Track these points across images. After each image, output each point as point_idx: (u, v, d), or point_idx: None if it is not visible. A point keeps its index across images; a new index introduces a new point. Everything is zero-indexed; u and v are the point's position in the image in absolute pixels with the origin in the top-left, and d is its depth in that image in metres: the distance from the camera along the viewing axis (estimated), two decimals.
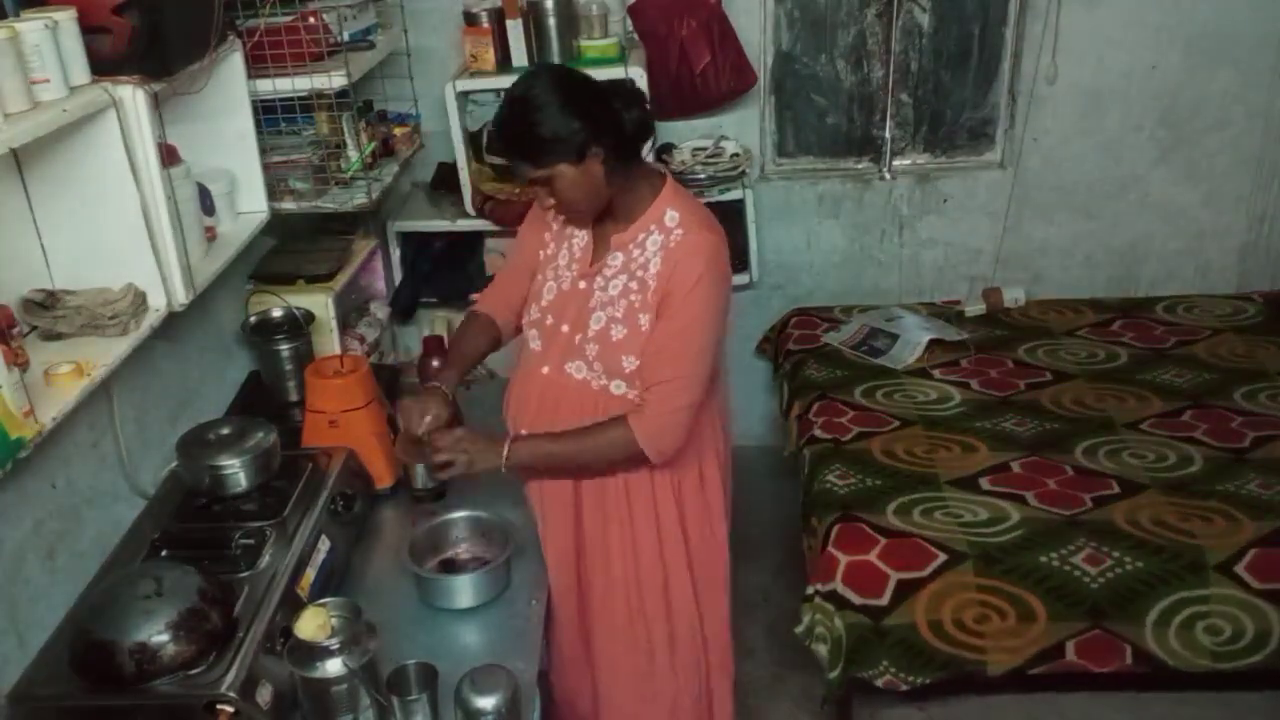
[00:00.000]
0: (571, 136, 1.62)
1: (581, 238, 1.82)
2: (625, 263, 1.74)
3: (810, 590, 2.31)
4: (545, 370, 1.84)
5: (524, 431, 1.83)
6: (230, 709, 1.42)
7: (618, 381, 1.77)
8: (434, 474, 1.88)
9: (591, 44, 2.89)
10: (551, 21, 2.81)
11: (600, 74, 2.80)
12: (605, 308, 1.76)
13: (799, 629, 2.32)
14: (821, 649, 2.30)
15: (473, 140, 2.94)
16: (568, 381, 1.81)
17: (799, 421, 2.87)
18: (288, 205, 2.32)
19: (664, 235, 1.72)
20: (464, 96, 2.88)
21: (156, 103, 1.70)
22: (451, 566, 1.88)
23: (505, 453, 1.76)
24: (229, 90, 2.05)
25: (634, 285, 1.73)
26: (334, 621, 1.51)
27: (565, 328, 1.81)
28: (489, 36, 2.82)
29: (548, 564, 1.91)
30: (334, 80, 2.22)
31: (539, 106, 1.62)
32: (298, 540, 1.75)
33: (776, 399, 3.27)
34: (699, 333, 1.71)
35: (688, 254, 1.69)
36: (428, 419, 1.82)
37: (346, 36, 2.38)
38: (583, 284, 1.80)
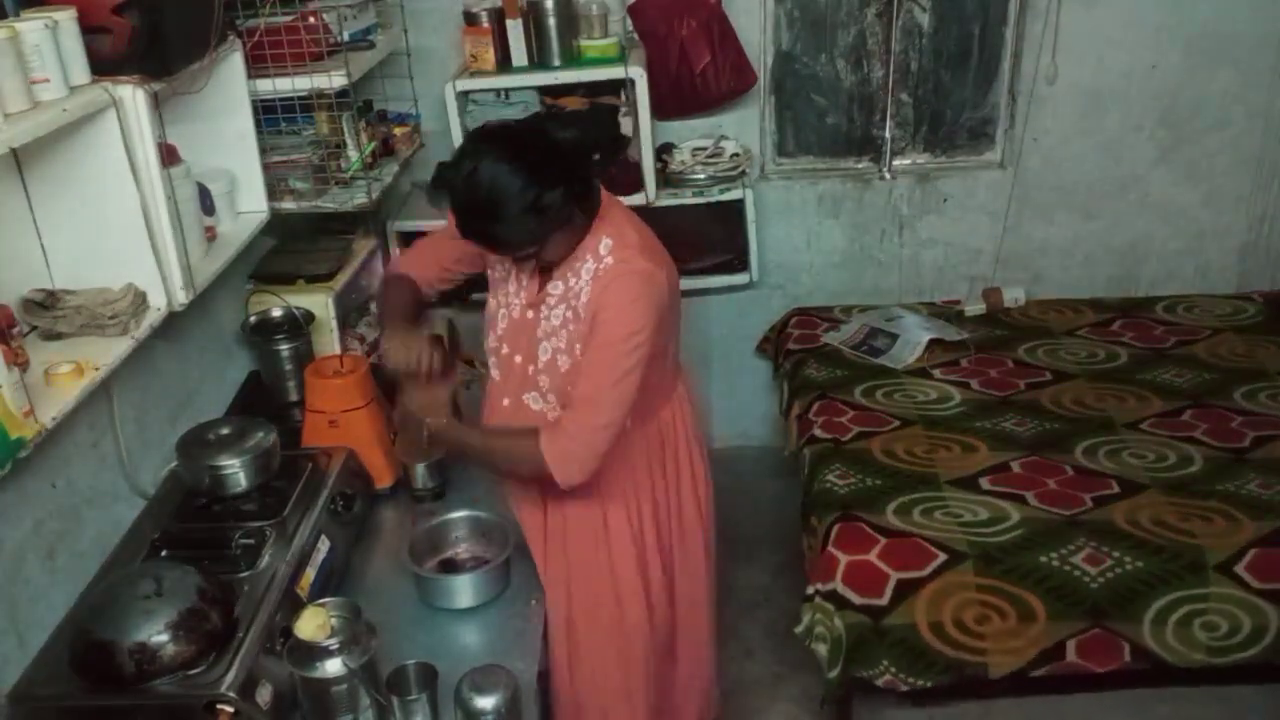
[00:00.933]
0: (552, 211, 1.59)
1: (528, 266, 1.78)
2: (564, 292, 1.73)
3: (810, 590, 2.31)
4: (505, 403, 1.85)
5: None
6: (230, 709, 1.42)
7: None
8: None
9: (591, 44, 2.89)
10: (551, 21, 2.81)
11: (600, 73, 2.84)
12: (550, 338, 1.76)
13: (799, 629, 2.32)
14: (821, 649, 2.29)
15: None
16: (527, 413, 1.82)
17: (799, 421, 2.87)
18: (288, 205, 2.32)
19: (596, 263, 1.69)
20: (464, 96, 2.88)
21: (156, 102, 1.70)
22: (451, 566, 1.88)
23: (430, 424, 1.77)
24: (229, 90, 2.05)
25: (570, 315, 1.72)
26: (334, 621, 1.51)
27: (518, 358, 1.82)
28: (489, 36, 2.82)
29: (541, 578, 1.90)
30: (334, 80, 2.21)
31: (507, 198, 1.56)
32: (297, 540, 1.75)
33: (776, 399, 3.27)
34: (620, 356, 1.65)
35: (614, 280, 1.66)
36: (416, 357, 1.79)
37: (346, 36, 2.38)
38: (530, 313, 1.79)
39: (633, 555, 1.87)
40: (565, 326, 1.73)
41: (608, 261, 1.68)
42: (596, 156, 1.69)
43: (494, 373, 1.87)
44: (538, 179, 1.56)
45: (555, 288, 1.74)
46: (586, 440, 1.66)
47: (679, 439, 1.92)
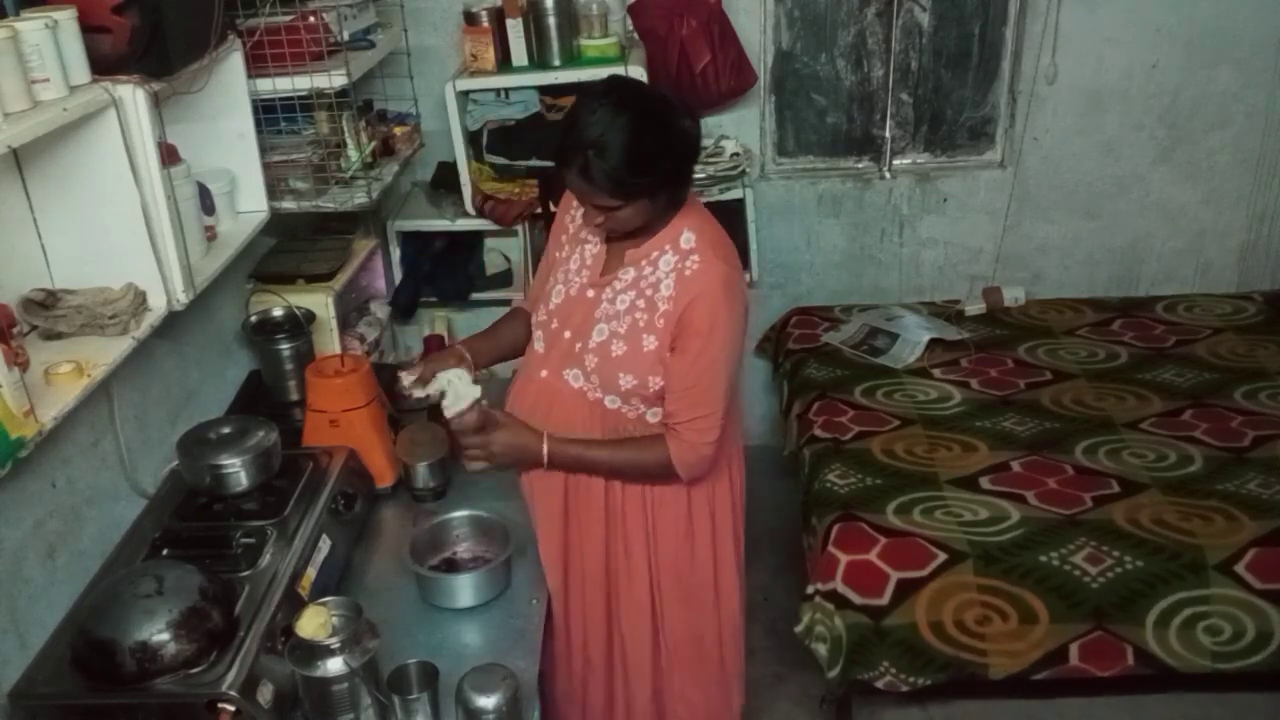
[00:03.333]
0: (649, 178, 1.61)
1: (594, 245, 1.79)
2: (635, 279, 1.72)
3: (810, 590, 2.32)
4: (544, 374, 1.82)
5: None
6: (231, 708, 1.42)
7: (612, 396, 1.76)
8: (464, 465, 1.82)
9: (591, 43, 2.89)
10: (551, 21, 2.81)
11: (599, 73, 2.83)
12: (610, 321, 1.74)
13: (799, 628, 2.32)
14: (821, 648, 2.29)
15: (473, 140, 2.94)
16: (563, 387, 1.79)
17: (799, 421, 2.87)
18: (288, 205, 2.32)
19: (678, 257, 1.69)
20: (464, 96, 2.88)
21: (156, 102, 1.70)
22: (452, 566, 1.88)
23: (545, 455, 1.75)
24: (229, 90, 2.05)
25: (641, 304, 1.71)
26: (335, 620, 1.51)
27: (568, 334, 1.78)
28: (489, 36, 2.82)
29: (542, 562, 1.90)
30: (334, 80, 2.21)
31: (617, 143, 1.57)
32: (298, 539, 1.75)
33: (776, 398, 3.27)
34: (724, 369, 1.70)
35: (705, 288, 1.66)
36: (436, 389, 1.77)
37: (346, 36, 2.38)
38: (591, 293, 1.77)
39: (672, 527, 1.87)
40: (632, 313, 1.71)
41: (693, 259, 1.67)
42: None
43: (538, 345, 1.85)
44: (651, 143, 1.59)
45: (626, 273, 1.72)
46: (704, 454, 1.74)
47: (734, 465, 1.90)
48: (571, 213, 1.84)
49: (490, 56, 2.84)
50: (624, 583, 1.89)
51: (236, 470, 1.80)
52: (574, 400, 1.79)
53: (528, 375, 1.87)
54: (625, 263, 1.73)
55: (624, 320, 1.72)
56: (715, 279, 1.66)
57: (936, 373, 2.99)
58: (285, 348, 2.30)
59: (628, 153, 1.57)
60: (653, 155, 1.60)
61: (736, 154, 3.18)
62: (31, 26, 1.45)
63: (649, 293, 1.70)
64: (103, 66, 1.61)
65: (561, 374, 1.80)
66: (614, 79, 1.76)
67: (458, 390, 1.73)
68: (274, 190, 2.25)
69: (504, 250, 3.28)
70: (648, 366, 1.70)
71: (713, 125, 3.25)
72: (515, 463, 1.81)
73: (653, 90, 1.75)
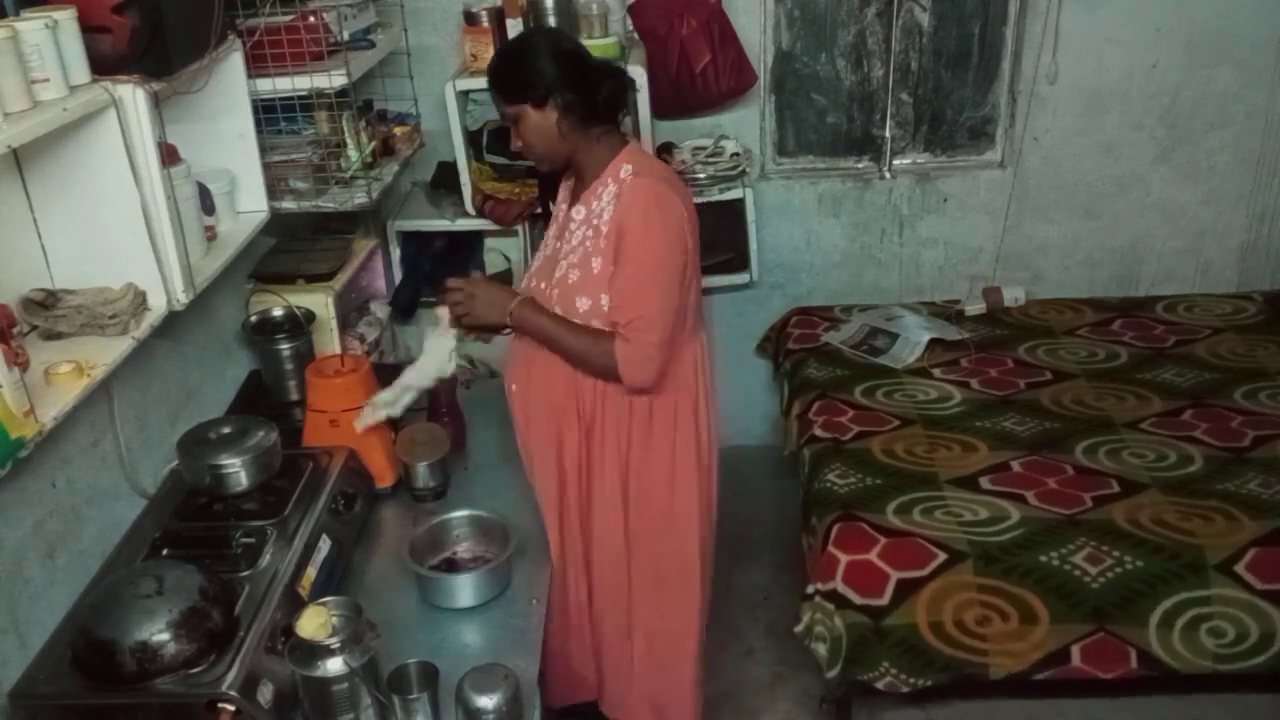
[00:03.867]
0: (537, 82, 1.81)
1: (564, 209, 1.97)
2: (586, 215, 1.88)
3: (810, 590, 2.31)
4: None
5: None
6: (231, 708, 1.42)
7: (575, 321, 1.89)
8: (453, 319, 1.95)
9: (592, 43, 2.88)
10: (551, 20, 2.80)
11: None
12: (567, 257, 1.90)
13: (799, 628, 2.32)
14: (821, 648, 2.29)
15: (473, 140, 2.94)
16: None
17: (799, 421, 2.87)
18: (288, 205, 2.32)
19: (617, 185, 1.84)
20: (464, 96, 2.88)
21: (157, 102, 1.70)
22: (452, 565, 1.88)
23: (510, 309, 1.89)
24: (229, 90, 2.05)
25: (590, 233, 1.86)
26: (335, 620, 1.51)
27: (542, 285, 1.94)
28: (489, 36, 2.82)
29: (542, 509, 2.00)
30: (334, 80, 2.21)
31: (524, 52, 1.86)
32: (298, 539, 1.75)
33: (776, 398, 3.27)
34: (659, 271, 1.82)
35: (636, 196, 1.81)
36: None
37: (346, 36, 2.38)
38: (557, 243, 1.95)
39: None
40: (583, 244, 1.87)
41: (627, 182, 1.84)
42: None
43: None
44: (540, 56, 1.83)
45: (578, 212, 1.90)
46: (647, 354, 1.84)
47: (699, 390, 2.00)
48: (559, 198, 2.04)
49: (490, 56, 2.83)
50: (597, 494, 2.01)
51: (236, 470, 1.80)
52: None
53: (515, 338, 2.00)
54: (579, 202, 1.90)
55: (577, 252, 1.88)
56: (646, 191, 1.82)
57: (936, 373, 2.99)
58: (285, 348, 2.30)
59: (514, 57, 1.86)
60: (532, 66, 1.82)
61: (736, 154, 3.18)
62: (31, 26, 1.45)
63: (595, 222, 1.86)
64: (103, 66, 1.61)
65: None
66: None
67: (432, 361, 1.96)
68: (274, 190, 2.25)
69: (504, 250, 3.28)
70: (597, 285, 1.85)
71: (713, 125, 3.25)
72: (489, 317, 1.91)
73: (574, 41, 1.97)
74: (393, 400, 2.03)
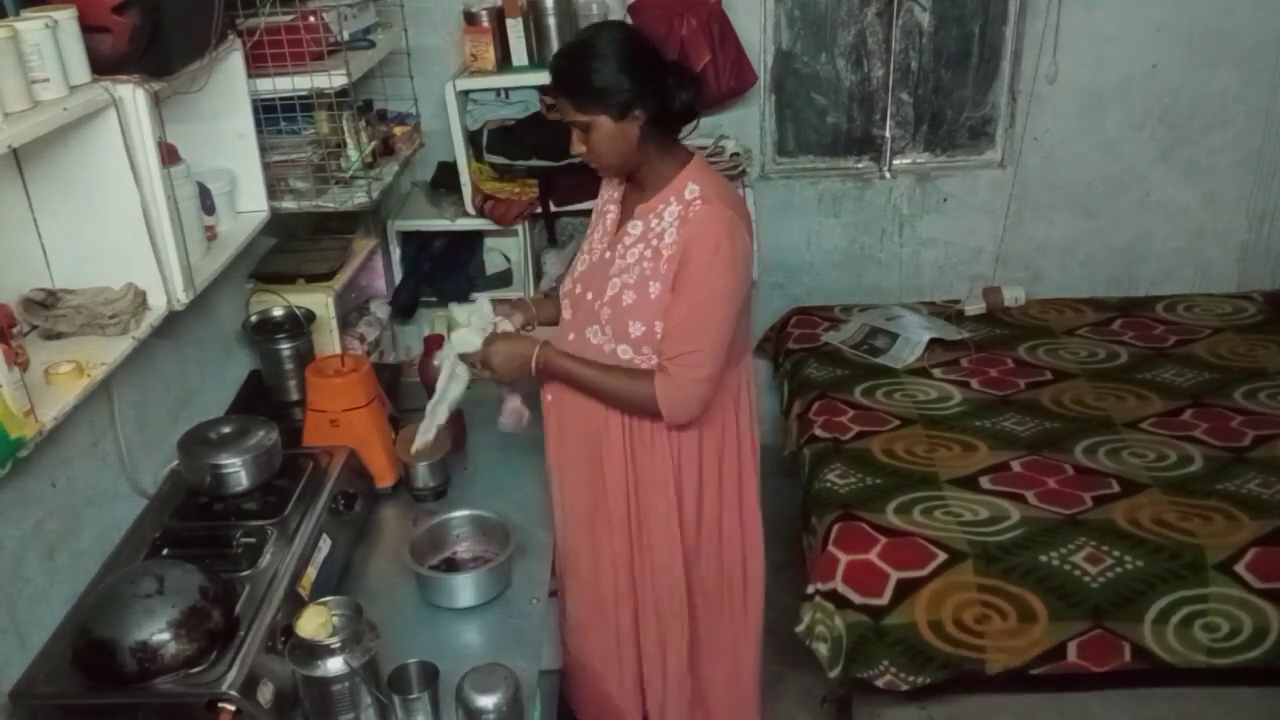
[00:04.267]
0: (619, 93, 1.68)
1: (613, 212, 1.88)
2: (644, 231, 1.78)
3: (810, 589, 2.32)
4: (571, 337, 1.89)
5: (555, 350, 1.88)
6: (232, 707, 1.42)
7: (625, 346, 1.81)
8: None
9: None
10: (551, 20, 2.81)
11: None
12: (621, 274, 1.80)
13: (799, 628, 2.32)
14: (821, 648, 2.30)
15: (473, 139, 2.94)
16: (586, 346, 1.85)
17: (799, 421, 2.87)
18: (288, 204, 2.32)
19: (682, 206, 1.75)
20: (464, 96, 2.88)
21: (157, 102, 1.70)
22: (452, 566, 1.88)
23: (533, 361, 1.83)
24: (229, 89, 2.05)
25: (648, 253, 1.77)
26: (335, 620, 1.51)
27: (589, 295, 1.87)
28: (489, 35, 2.82)
29: (560, 527, 1.97)
30: (334, 79, 2.21)
31: (599, 55, 1.69)
32: (299, 539, 1.75)
33: (776, 398, 3.27)
34: (718, 306, 1.73)
35: (705, 226, 1.71)
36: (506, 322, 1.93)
37: (346, 36, 2.38)
38: (608, 254, 1.85)
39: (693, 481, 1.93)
40: (640, 264, 1.77)
41: (696, 205, 1.73)
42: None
43: (565, 314, 1.94)
44: (615, 63, 1.69)
45: (634, 227, 1.80)
46: (691, 391, 1.76)
47: (740, 413, 1.95)
48: (602, 193, 1.95)
49: (490, 56, 2.84)
50: (650, 518, 1.93)
51: (237, 470, 1.80)
52: (595, 357, 1.84)
53: (559, 342, 1.92)
54: (635, 217, 1.80)
55: (633, 271, 1.78)
56: (716, 219, 1.72)
57: (936, 372, 2.99)
58: (285, 347, 2.30)
59: (588, 59, 1.69)
60: (614, 73, 1.68)
61: (736, 154, 3.17)
62: (31, 26, 1.45)
63: (655, 243, 1.76)
64: (103, 66, 1.61)
65: (584, 333, 1.86)
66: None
67: (465, 337, 1.86)
68: (274, 190, 2.25)
69: (504, 250, 3.28)
70: (653, 312, 1.76)
71: (713, 125, 3.25)
72: (513, 371, 1.85)
73: (650, 42, 1.82)
74: (428, 428, 1.96)
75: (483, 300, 1.93)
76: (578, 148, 1.77)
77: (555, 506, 2.01)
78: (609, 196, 1.92)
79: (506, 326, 1.93)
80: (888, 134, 3.35)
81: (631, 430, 1.86)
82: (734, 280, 1.74)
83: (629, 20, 3.02)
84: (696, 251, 1.70)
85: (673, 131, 1.79)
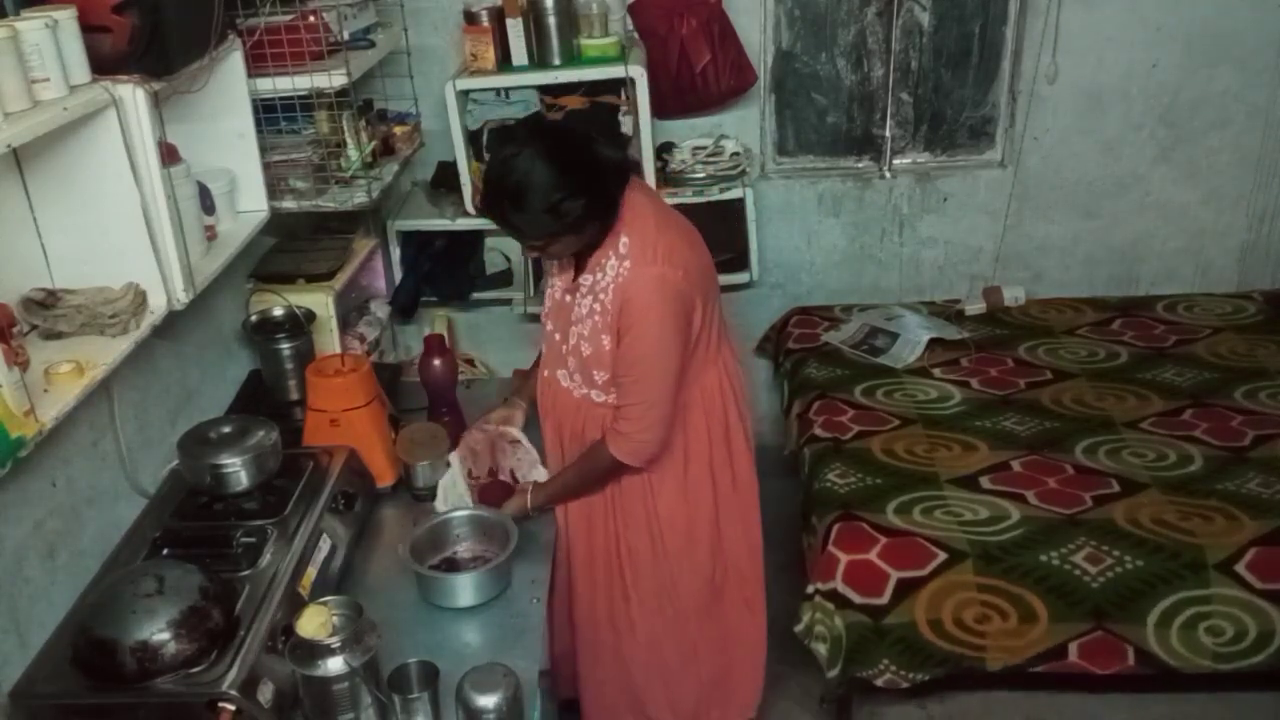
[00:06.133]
0: (568, 215, 1.70)
1: (566, 264, 1.91)
2: (592, 284, 1.84)
3: (810, 589, 2.32)
4: (545, 374, 2.00)
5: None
6: (232, 707, 1.42)
7: (595, 390, 1.90)
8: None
9: (591, 43, 2.89)
10: (551, 20, 2.81)
11: (600, 72, 2.83)
12: (579, 324, 1.88)
13: (799, 628, 2.32)
14: (821, 648, 2.30)
15: (473, 139, 2.94)
16: (558, 387, 1.97)
17: (799, 420, 2.87)
18: (288, 204, 2.32)
19: (617, 261, 1.79)
20: (464, 95, 2.88)
21: (157, 102, 1.70)
22: (452, 565, 1.88)
23: (529, 508, 1.94)
24: (229, 89, 2.05)
25: (597, 307, 1.83)
26: (335, 620, 1.51)
27: (557, 336, 1.95)
28: (489, 35, 2.82)
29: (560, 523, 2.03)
30: (334, 79, 2.21)
31: (533, 192, 1.68)
32: (299, 539, 1.75)
33: (776, 398, 3.27)
34: (656, 360, 1.80)
35: (633, 290, 1.76)
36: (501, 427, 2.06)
37: (346, 35, 2.38)
38: (567, 298, 1.91)
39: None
40: (591, 316, 1.84)
41: (625, 264, 1.77)
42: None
43: (542, 344, 2.03)
44: (567, 186, 1.68)
45: (586, 280, 1.86)
46: (642, 439, 1.85)
47: (727, 405, 1.99)
48: None
49: (490, 56, 2.83)
50: (627, 525, 2.00)
51: (237, 470, 1.80)
52: (566, 396, 1.96)
53: (540, 376, 2.04)
54: (588, 270, 1.85)
55: (586, 323, 1.85)
56: (641, 283, 1.76)
57: (936, 372, 2.99)
58: (285, 347, 2.30)
59: (541, 201, 1.68)
60: (565, 200, 1.68)
61: (736, 154, 3.18)
62: (31, 26, 1.45)
63: (602, 297, 1.82)
64: (103, 66, 1.61)
65: (555, 374, 1.97)
66: (529, 121, 1.94)
67: (448, 493, 1.97)
68: (274, 190, 2.25)
69: (504, 250, 3.28)
70: (609, 362, 1.84)
71: (713, 125, 3.25)
72: (518, 516, 1.94)
73: (568, 131, 1.88)
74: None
75: (455, 465, 1.99)
76: (531, 254, 1.84)
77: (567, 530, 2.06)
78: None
79: (515, 434, 2.04)
80: (888, 134, 3.35)
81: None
82: (669, 331, 1.78)
83: (629, 20, 3.03)
84: (629, 317, 1.77)
85: (614, 203, 1.78)
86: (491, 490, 1.98)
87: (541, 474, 2.02)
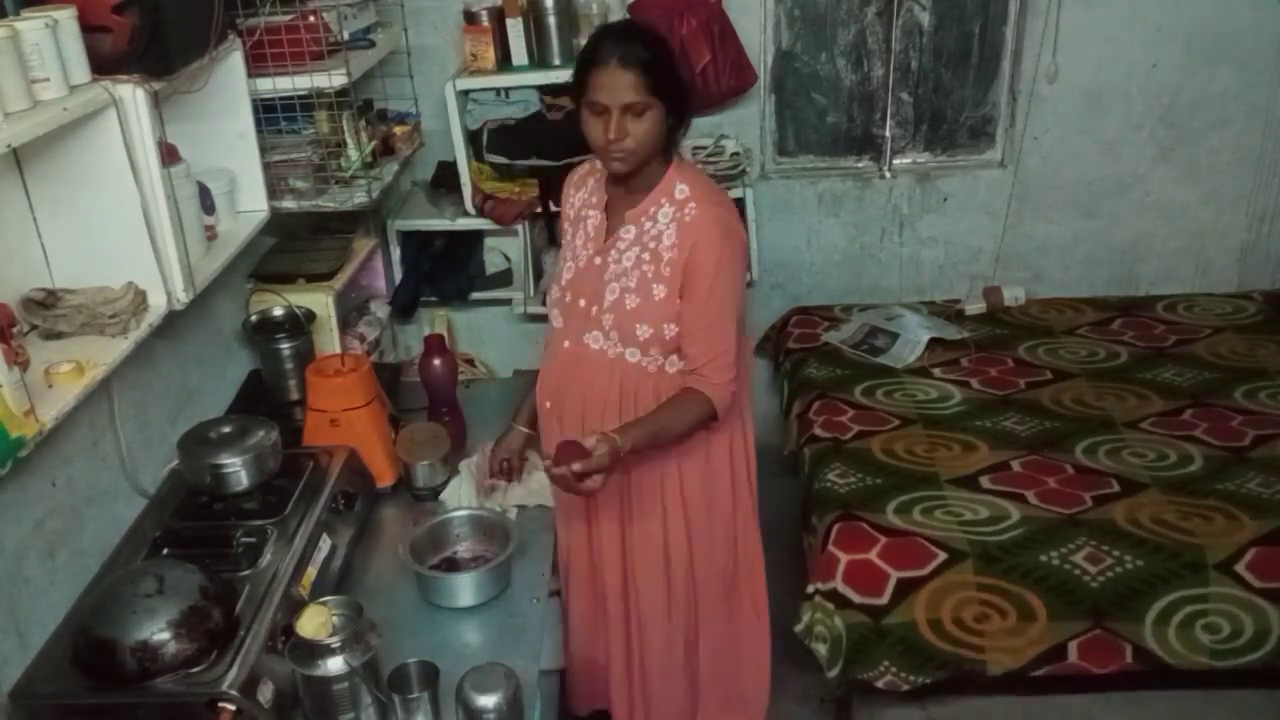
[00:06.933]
0: (679, 90, 1.75)
1: (595, 217, 1.88)
2: (638, 235, 1.81)
3: (810, 589, 2.31)
4: (566, 344, 1.92)
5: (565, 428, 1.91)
6: (232, 707, 1.42)
7: (632, 349, 1.84)
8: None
9: None
10: (551, 20, 2.81)
11: None
12: (619, 279, 1.82)
13: (799, 628, 2.32)
14: (821, 648, 2.29)
15: (473, 139, 2.94)
16: (585, 351, 1.89)
17: (799, 420, 2.87)
18: (288, 204, 2.32)
19: (675, 208, 1.79)
20: (464, 95, 2.88)
21: (157, 101, 1.70)
22: (452, 565, 1.88)
23: (621, 450, 1.70)
24: (229, 89, 2.05)
25: (646, 256, 1.80)
26: (335, 620, 1.51)
27: (582, 302, 1.88)
28: (489, 35, 2.82)
29: (562, 525, 2.02)
30: (334, 79, 2.21)
31: (669, 51, 1.77)
32: (299, 539, 1.75)
33: (776, 398, 3.27)
34: (730, 307, 1.80)
35: (705, 232, 1.76)
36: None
37: (346, 35, 2.38)
38: (598, 260, 1.86)
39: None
40: (639, 267, 1.80)
41: (690, 207, 1.78)
42: None
43: (556, 322, 1.95)
44: (670, 58, 1.78)
45: (627, 232, 1.83)
46: (728, 390, 1.83)
47: (743, 394, 1.98)
48: (570, 199, 1.96)
49: (490, 56, 2.84)
50: (638, 541, 1.98)
51: (237, 470, 1.80)
52: (595, 361, 1.88)
53: (552, 352, 1.96)
54: (625, 222, 1.83)
55: (632, 275, 1.81)
56: (714, 222, 1.77)
57: (936, 372, 2.99)
58: (285, 347, 2.30)
59: (658, 50, 1.74)
60: (672, 66, 1.76)
61: (736, 153, 3.18)
62: (31, 26, 1.45)
63: (652, 245, 1.79)
64: (103, 66, 1.61)
65: (581, 339, 1.89)
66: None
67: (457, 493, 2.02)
68: (274, 190, 2.25)
69: (504, 250, 3.28)
70: (660, 314, 1.80)
71: (713, 125, 3.25)
72: (608, 467, 1.71)
73: None
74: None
75: (464, 473, 2.06)
76: (612, 133, 1.71)
77: (558, 505, 2.02)
78: (585, 201, 1.92)
79: (538, 462, 2.06)
80: (888, 134, 3.35)
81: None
82: (739, 278, 1.82)
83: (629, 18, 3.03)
84: (703, 259, 1.75)
85: (677, 139, 1.82)
86: (567, 451, 1.70)
87: (540, 480, 2.02)
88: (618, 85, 1.69)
